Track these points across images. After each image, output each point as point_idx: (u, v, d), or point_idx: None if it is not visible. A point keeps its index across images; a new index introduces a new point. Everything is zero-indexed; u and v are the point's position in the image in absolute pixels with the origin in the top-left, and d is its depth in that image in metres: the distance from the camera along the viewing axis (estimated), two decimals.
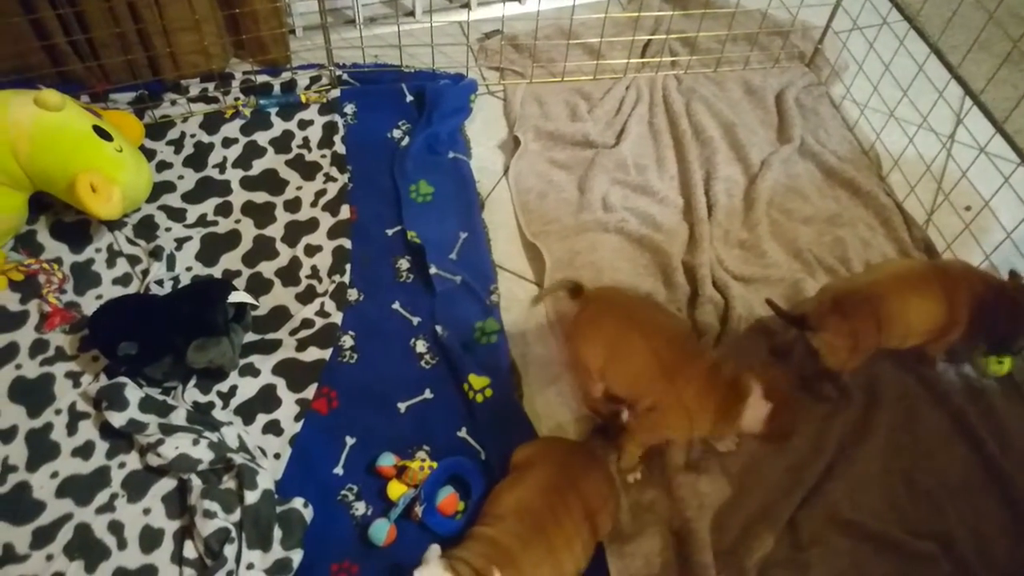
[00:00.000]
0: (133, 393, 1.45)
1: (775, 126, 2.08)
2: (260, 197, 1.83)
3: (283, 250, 1.74)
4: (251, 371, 1.55)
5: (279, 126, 1.96)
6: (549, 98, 2.10)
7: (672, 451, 1.46)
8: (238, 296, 1.52)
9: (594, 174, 1.89)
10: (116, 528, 1.35)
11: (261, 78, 2.04)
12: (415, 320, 1.65)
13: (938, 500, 1.46)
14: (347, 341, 1.61)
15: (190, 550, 1.32)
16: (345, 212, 1.79)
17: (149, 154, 1.87)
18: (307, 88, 2.04)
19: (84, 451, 1.43)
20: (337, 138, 1.93)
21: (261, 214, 1.80)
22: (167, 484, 1.40)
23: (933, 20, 2.33)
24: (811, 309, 1.51)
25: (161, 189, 1.81)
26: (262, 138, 1.94)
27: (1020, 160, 1.99)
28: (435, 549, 1.20)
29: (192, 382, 1.53)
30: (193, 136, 1.92)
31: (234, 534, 1.31)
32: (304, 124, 1.97)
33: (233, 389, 1.53)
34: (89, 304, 1.62)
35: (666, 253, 1.76)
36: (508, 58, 2.19)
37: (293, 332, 1.61)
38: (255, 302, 1.58)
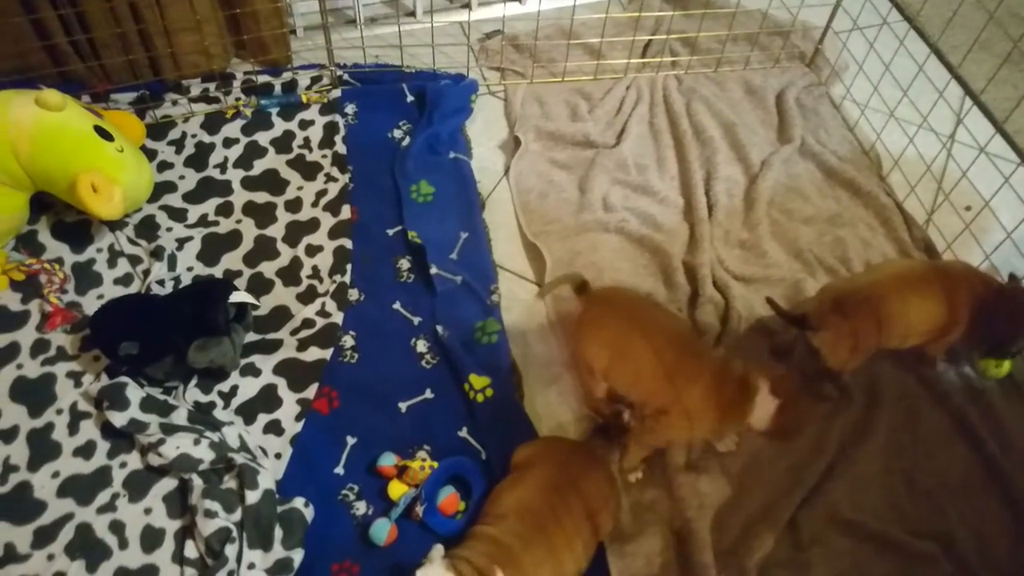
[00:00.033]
0: (134, 393, 1.45)
1: (775, 126, 2.08)
2: (261, 197, 1.83)
3: (284, 250, 1.75)
4: (252, 371, 1.55)
5: (280, 126, 1.97)
6: (550, 98, 2.10)
7: (673, 451, 1.46)
8: (239, 296, 1.52)
9: (595, 174, 1.89)
10: (117, 528, 1.36)
11: (262, 78, 2.04)
12: (416, 320, 1.65)
13: (939, 500, 1.46)
14: (348, 341, 1.61)
15: (191, 550, 1.33)
16: (346, 212, 1.79)
17: (150, 154, 1.87)
18: (308, 88, 2.04)
19: (85, 451, 1.43)
20: (338, 138, 1.94)
21: (262, 214, 1.80)
22: (168, 484, 1.40)
23: (933, 20, 2.33)
24: (811, 309, 1.51)
25: (162, 189, 1.81)
26: (263, 138, 1.94)
27: (1020, 160, 2.00)
28: (439, 549, 1.20)
29: (193, 382, 1.53)
30: (194, 136, 1.92)
31: (235, 534, 1.31)
32: (305, 124, 1.97)
33: (234, 389, 1.53)
34: (90, 304, 1.62)
35: (667, 253, 1.76)
36: (509, 58, 2.19)
37: (294, 332, 1.61)
38: (256, 302, 1.58)
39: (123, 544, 1.34)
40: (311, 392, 1.53)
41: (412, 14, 2.31)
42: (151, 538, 1.35)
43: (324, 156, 1.91)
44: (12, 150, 1.54)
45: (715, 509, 1.42)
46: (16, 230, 1.69)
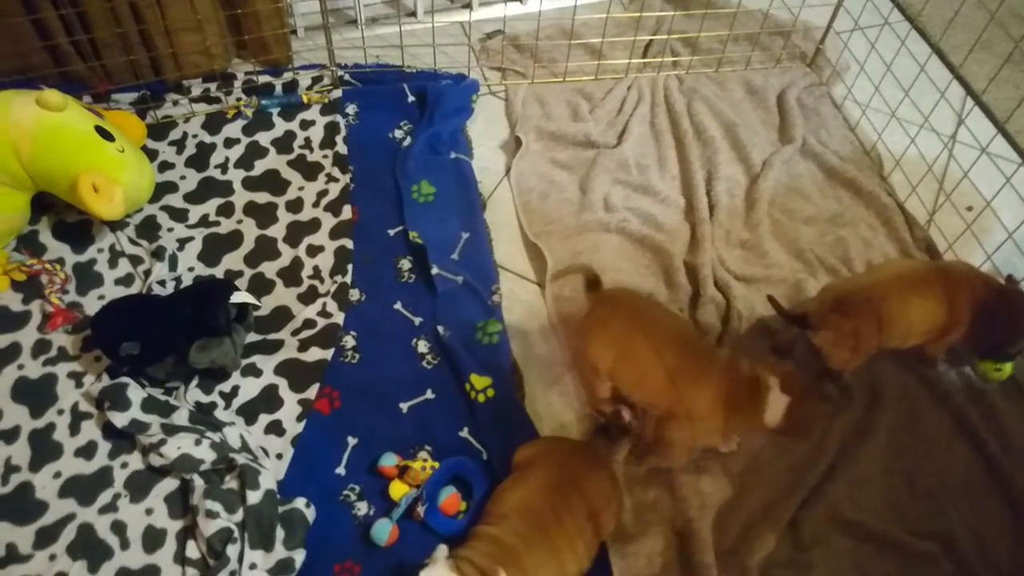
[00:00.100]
0: (135, 393, 1.45)
1: (776, 126, 2.08)
2: (262, 197, 1.83)
3: (285, 250, 1.75)
4: (253, 371, 1.55)
5: (281, 126, 1.97)
6: (551, 98, 2.10)
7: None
8: (240, 296, 1.52)
9: (596, 174, 1.89)
10: (119, 528, 1.36)
11: (263, 78, 2.04)
12: (417, 320, 1.65)
13: (939, 500, 1.46)
14: (349, 341, 1.61)
15: (193, 550, 1.33)
16: (347, 212, 1.79)
17: (151, 154, 1.87)
18: (309, 88, 2.04)
19: (87, 451, 1.43)
20: (339, 138, 1.94)
21: (263, 214, 1.80)
22: (169, 484, 1.40)
23: (934, 20, 2.33)
24: (812, 308, 1.51)
25: (163, 189, 1.81)
26: (264, 138, 1.94)
27: (1022, 160, 1.99)
28: (442, 549, 1.20)
29: (194, 382, 1.53)
30: (195, 136, 1.92)
31: (236, 534, 1.31)
32: (306, 124, 1.97)
33: (235, 389, 1.53)
34: (91, 304, 1.62)
35: (668, 253, 1.76)
36: (510, 58, 2.19)
37: (295, 332, 1.61)
38: (257, 302, 1.58)
39: (125, 544, 1.34)
40: (312, 392, 1.53)
41: (413, 14, 2.31)
42: (153, 538, 1.35)
43: (325, 156, 1.91)
44: (13, 150, 1.54)
45: (716, 509, 1.42)
46: (17, 230, 1.69)
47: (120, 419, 1.42)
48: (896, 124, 2.04)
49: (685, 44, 2.25)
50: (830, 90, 2.18)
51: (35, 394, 1.49)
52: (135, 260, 1.70)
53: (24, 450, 1.43)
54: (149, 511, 1.38)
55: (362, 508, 1.41)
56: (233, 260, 1.72)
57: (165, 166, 1.86)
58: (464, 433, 1.50)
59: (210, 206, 1.81)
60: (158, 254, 1.69)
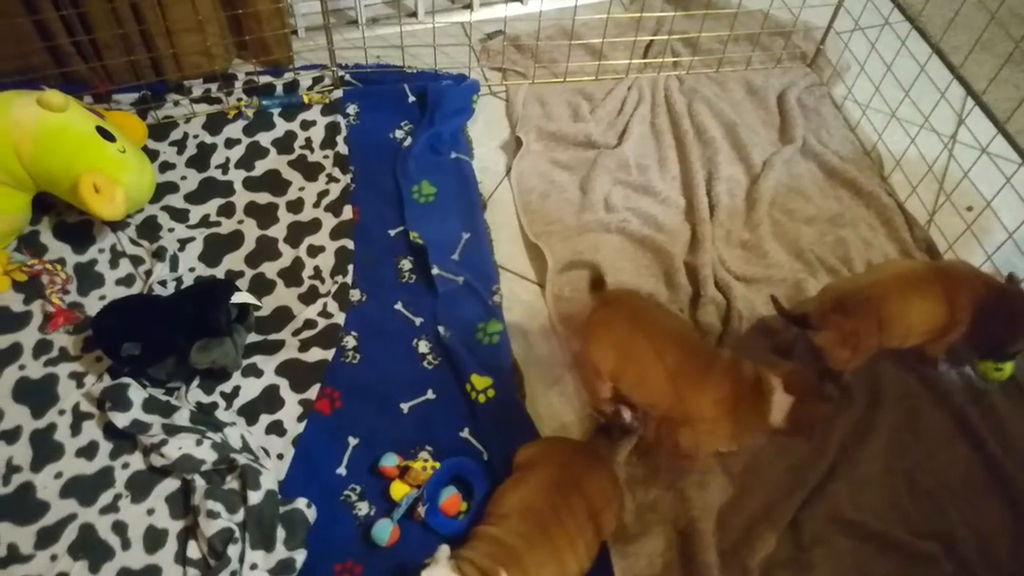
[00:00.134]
0: (136, 394, 1.45)
1: (777, 126, 2.08)
2: (263, 198, 1.83)
3: (286, 251, 1.75)
4: (254, 372, 1.55)
5: (282, 127, 1.97)
6: (551, 99, 2.10)
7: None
8: (241, 297, 1.52)
9: (596, 174, 1.89)
10: (120, 528, 1.36)
11: (264, 79, 2.04)
12: (417, 321, 1.66)
13: (940, 500, 1.46)
14: (350, 342, 1.61)
15: (194, 550, 1.33)
16: (347, 213, 1.79)
17: (152, 155, 1.87)
18: (310, 89, 2.04)
19: (88, 451, 1.44)
20: (339, 139, 1.94)
21: (264, 215, 1.80)
22: (171, 484, 1.40)
23: (935, 20, 2.34)
24: (813, 309, 1.51)
25: (164, 190, 1.81)
26: (265, 139, 1.94)
27: (1022, 160, 2.00)
28: (444, 550, 1.20)
29: (195, 383, 1.53)
30: (196, 137, 1.93)
31: (237, 534, 1.32)
32: (307, 125, 1.97)
33: (236, 390, 1.53)
34: (92, 305, 1.62)
35: (668, 253, 1.76)
36: (510, 59, 2.19)
37: (296, 333, 1.61)
38: (258, 303, 1.58)
39: (126, 545, 1.34)
40: (313, 393, 1.53)
41: (414, 14, 2.31)
42: (154, 539, 1.35)
43: (326, 156, 1.91)
44: (14, 151, 1.54)
45: (717, 509, 1.42)
46: (18, 231, 1.69)
47: (121, 419, 1.42)
48: (896, 124, 2.04)
49: (686, 44, 2.26)
50: (830, 90, 2.18)
51: (36, 394, 1.50)
52: (136, 260, 1.70)
53: (25, 450, 1.43)
54: (150, 511, 1.38)
55: (363, 508, 1.41)
56: (234, 260, 1.72)
57: (166, 166, 1.87)
58: (465, 433, 1.50)
59: (211, 206, 1.81)
60: (159, 254, 1.69)
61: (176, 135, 1.92)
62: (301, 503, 1.37)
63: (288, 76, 2.06)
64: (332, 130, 1.96)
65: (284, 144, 1.94)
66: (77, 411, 1.48)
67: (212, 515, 1.31)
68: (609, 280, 1.69)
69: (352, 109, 2.02)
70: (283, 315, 1.65)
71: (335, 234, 1.77)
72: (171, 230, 1.76)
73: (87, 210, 1.59)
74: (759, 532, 1.39)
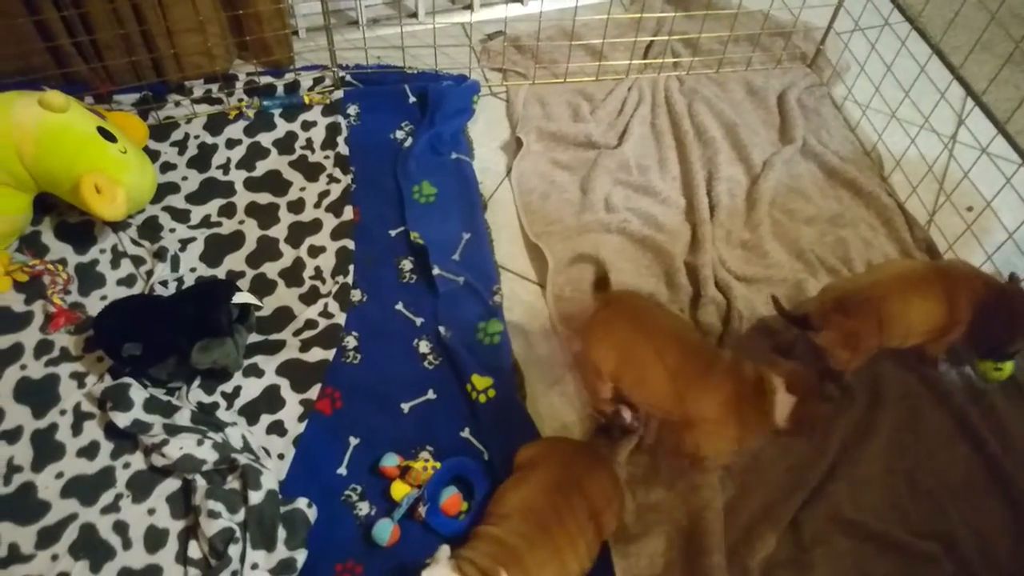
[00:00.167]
0: (138, 394, 1.45)
1: (777, 127, 2.08)
2: (264, 198, 1.83)
3: (287, 251, 1.75)
4: (255, 372, 1.55)
5: (282, 127, 1.97)
6: (551, 99, 2.10)
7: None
8: (242, 297, 1.53)
9: (596, 175, 1.89)
10: (121, 528, 1.36)
11: (265, 79, 2.05)
12: (418, 321, 1.66)
13: (940, 500, 1.46)
14: (350, 342, 1.61)
15: (195, 550, 1.33)
16: (348, 213, 1.80)
17: (153, 155, 1.87)
18: (310, 89, 2.05)
19: (89, 451, 1.44)
20: (340, 139, 1.94)
21: (265, 215, 1.80)
22: (171, 484, 1.41)
23: (935, 21, 2.34)
24: (813, 309, 1.51)
25: (165, 190, 1.82)
26: (266, 139, 1.94)
27: (1022, 161, 2.00)
28: (445, 550, 1.21)
29: (196, 383, 1.53)
30: (197, 137, 1.93)
31: (238, 534, 1.32)
32: (307, 125, 1.98)
33: (237, 390, 1.53)
34: (94, 305, 1.63)
35: (668, 254, 1.76)
36: (510, 59, 2.19)
37: (297, 333, 1.62)
38: (259, 303, 1.58)
39: (127, 544, 1.35)
40: (314, 393, 1.53)
41: (414, 15, 2.31)
42: (155, 538, 1.35)
43: (326, 157, 1.91)
44: (16, 151, 1.55)
45: (720, 509, 1.42)
46: (20, 231, 1.69)
47: (122, 419, 1.42)
48: (896, 124, 2.04)
49: (686, 45, 2.26)
50: (830, 91, 2.18)
51: (37, 394, 1.50)
52: (137, 261, 1.70)
53: (26, 450, 1.43)
54: (151, 511, 1.38)
55: (364, 508, 1.41)
56: (235, 261, 1.73)
57: (167, 167, 1.87)
58: (465, 433, 1.50)
59: (212, 207, 1.81)
60: (160, 255, 1.69)
61: (177, 135, 1.93)
62: (302, 503, 1.37)
63: (289, 77, 2.06)
64: (333, 131, 1.96)
65: (285, 144, 1.94)
66: (78, 411, 1.48)
67: (213, 515, 1.32)
68: (609, 280, 1.69)
69: (353, 110, 2.02)
70: (284, 315, 1.65)
71: (336, 234, 1.77)
72: (172, 230, 1.76)
73: (88, 211, 1.59)
74: (759, 532, 1.39)
